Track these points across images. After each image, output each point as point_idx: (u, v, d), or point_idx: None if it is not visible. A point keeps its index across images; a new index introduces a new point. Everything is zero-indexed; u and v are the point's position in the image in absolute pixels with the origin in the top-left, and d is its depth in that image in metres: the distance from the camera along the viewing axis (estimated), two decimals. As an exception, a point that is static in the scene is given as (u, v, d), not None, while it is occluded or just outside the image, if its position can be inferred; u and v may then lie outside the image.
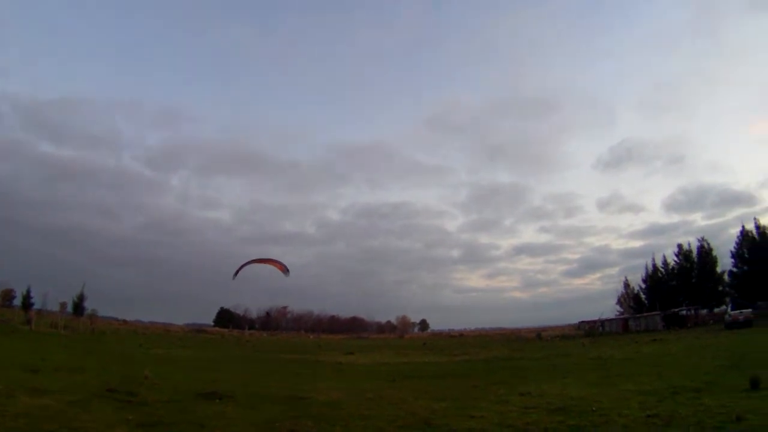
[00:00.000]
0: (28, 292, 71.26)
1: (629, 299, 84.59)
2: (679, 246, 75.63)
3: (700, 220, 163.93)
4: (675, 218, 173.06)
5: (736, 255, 65.03)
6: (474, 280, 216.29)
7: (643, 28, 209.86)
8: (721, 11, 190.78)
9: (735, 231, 68.39)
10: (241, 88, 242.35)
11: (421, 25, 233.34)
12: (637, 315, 75.08)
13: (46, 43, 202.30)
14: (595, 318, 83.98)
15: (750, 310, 45.96)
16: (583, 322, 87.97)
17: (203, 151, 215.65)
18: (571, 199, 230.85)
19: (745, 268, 63.32)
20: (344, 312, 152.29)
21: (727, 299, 64.44)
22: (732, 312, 46.43)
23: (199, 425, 10.46)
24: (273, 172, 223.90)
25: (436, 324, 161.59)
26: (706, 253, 70.64)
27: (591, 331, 76.66)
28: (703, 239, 72.63)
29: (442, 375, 23.33)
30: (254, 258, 40.88)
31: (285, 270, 39.48)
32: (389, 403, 13.84)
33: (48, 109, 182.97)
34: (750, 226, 65.18)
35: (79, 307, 76.76)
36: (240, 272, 39.23)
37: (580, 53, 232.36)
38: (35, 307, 69.77)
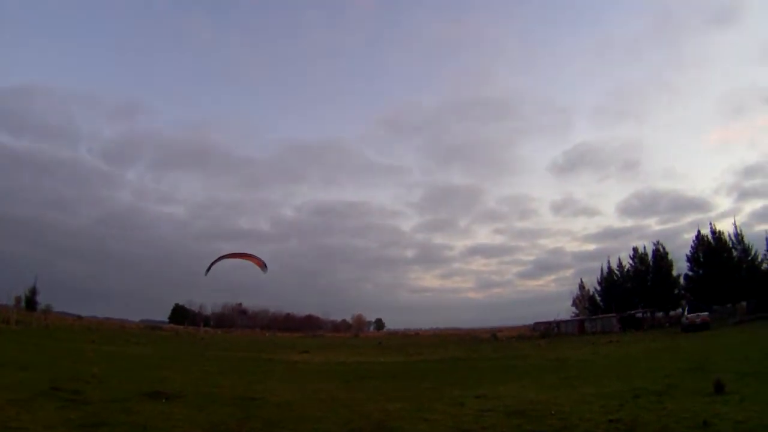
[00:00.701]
0: (-21, 285, 68.69)
1: (584, 301, 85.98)
2: (635, 249, 77.03)
3: (654, 224, 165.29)
4: (629, 222, 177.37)
5: (692, 259, 66.13)
6: (429, 280, 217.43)
7: (602, 36, 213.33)
8: (680, 23, 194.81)
9: (689, 236, 69.79)
10: (197, 83, 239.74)
11: (378, 25, 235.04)
12: (593, 317, 76.25)
13: (1, 29, 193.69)
14: (551, 319, 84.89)
15: (706, 313, 46.56)
16: (538, 323, 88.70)
17: (159, 145, 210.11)
18: (526, 202, 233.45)
19: (701, 271, 64.62)
20: (300, 310, 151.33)
21: (683, 302, 65.44)
22: (689, 315, 46.99)
23: (142, 427, 9.68)
24: (228, 168, 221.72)
25: (391, 323, 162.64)
26: (661, 256, 71.98)
27: (547, 332, 77.03)
28: (658, 243, 74.19)
29: (396, 375, 22.59)
30: (229, 252, 38.71)
31: (263, 266, 37.21)
32: (342, 405, 13.19)
33: (3, 97, 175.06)
34: (705, 231, 66.53)
35: (31, 301, 74.43)
36: (212, 267, 37.21)
37: (538, 58, 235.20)
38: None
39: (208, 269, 36.51)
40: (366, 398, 14.59)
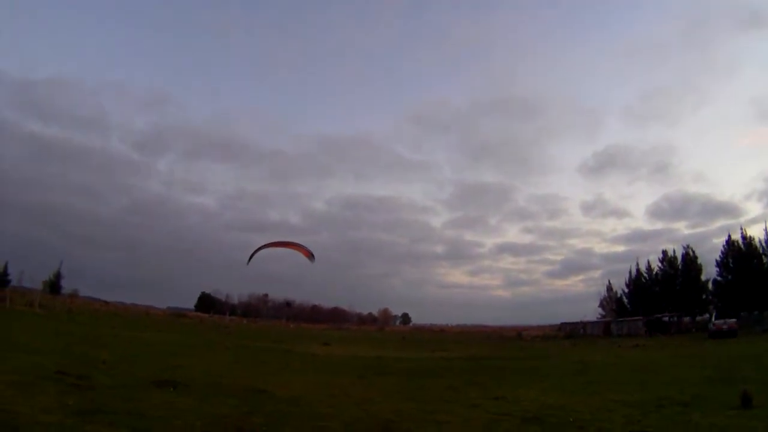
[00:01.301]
0: (6, 269, 70.16)
1: (612, 303, 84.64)
2: (664, 252, 75.65)
3: (683, 228, 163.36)
4: (658, 225, 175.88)
5: (721, 264, 64.77)
6: (457, 276, 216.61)
7: (633, 37, 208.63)
8: (712, 26, 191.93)
9: (718, 241, 68.86)
10: (228, 76, 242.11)
11: (408, 23, 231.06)
12: (620, 319, 75.09)
13: (35, 22, 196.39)
14: (577, 320, 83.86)
15: (734, 320, 45.65)
16: (564, 323, 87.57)
17: (190, 135, 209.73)
18: (555, 202, 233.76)
19: (730, 277, 63.26)
20: (326, 302, 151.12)
21: (711, 308, 64.32)
22: (716, 321, 46.02)
23: (140, 415, 9.49)
24: (258, 160, 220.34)
25: (417, 318, 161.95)
26: (691, 260, 70.71)
27: (572, 332, 76.43)
28: (688, 246, 72.80)
29: (416, 372, 22.32)
30: (273, 241, 37.12)
31: (310, 255, 35.34)
32: (353, 402, 12.97)
33: (36, 88, 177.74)
34: (736, 236, 65.10)
35: (55, 285, 75.45)
36: (255, 256, 36.31)
37: (569, 58, 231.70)
38: (12, 284, 68.60)
39: (251, 258, 35.57)
40: (379, 396, 14.39)
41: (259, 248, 35.49)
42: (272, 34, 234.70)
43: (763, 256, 61.62)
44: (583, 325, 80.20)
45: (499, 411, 12.10)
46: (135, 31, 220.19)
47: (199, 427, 9.09)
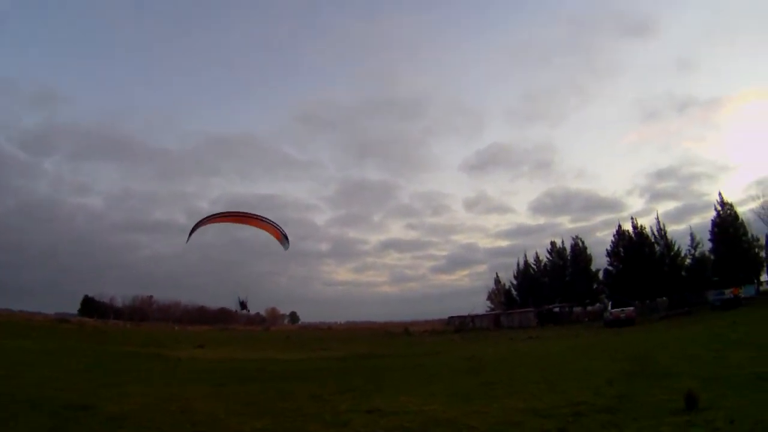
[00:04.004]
0: None
1: (500, 295, 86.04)
2: (552, 243, 78.28)
3: (566, 222, 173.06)
4: (541, 220, 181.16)
5: (612, 253, 66.86)
6: (343, 273, 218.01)
7: (516, 39, 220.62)
8: (593, 31, 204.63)
9: (602, 234, 72.23)
10: (114, 72, 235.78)
11: (295, 22, 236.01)
12: (509, 311, 75.73)
13: None
14: (465, 313, 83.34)
15: (632, 308, 46.08)
16: (452, 317, 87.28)
17: (78, 134, 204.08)
18: (439, 198, 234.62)
19: (621, 266, 65.09)
20: (213, 303, 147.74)
21: (603, 297, 66.31)
22: (613, 310, 46.19)
23: None
24: (144, 159, 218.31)
25: (306, 316, 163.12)
26: (580, 250, 72.92)
27: (461, 326, 76.05)
28: (577, 237, 75.66)
29: (286, 377, 19.79)
30: (231, 212, 26.19)
31: (284, 239, 26.34)
32: (190, 422, 10.56)
33: None
34: (627, 226, 67.55)
35: None
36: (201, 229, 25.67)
37: (454, 59, 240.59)
38: None
39: (193, 231, 25.35)
40: (229, 410, 11.95)
41: (209, 218, 25.34)
42: (161, 31, 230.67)
43: (655, 245, 63.93)
44: (472, 318, 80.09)
45: (372, 430, 9.42)
46: (24, 27, 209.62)
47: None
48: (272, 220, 23.90)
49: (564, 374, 15.61)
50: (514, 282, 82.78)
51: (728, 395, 9.75)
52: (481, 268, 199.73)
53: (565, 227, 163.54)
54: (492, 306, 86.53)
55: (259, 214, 24.15)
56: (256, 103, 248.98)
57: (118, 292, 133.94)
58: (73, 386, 15.21)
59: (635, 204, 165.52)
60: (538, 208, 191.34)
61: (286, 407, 12.24)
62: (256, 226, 25.02)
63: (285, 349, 39.44)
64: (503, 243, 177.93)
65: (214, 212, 22.61)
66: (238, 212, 23.48)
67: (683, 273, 61.78)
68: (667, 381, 11.64)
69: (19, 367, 19.41)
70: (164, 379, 18.74)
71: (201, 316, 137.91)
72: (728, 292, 48.35)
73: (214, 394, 14.89)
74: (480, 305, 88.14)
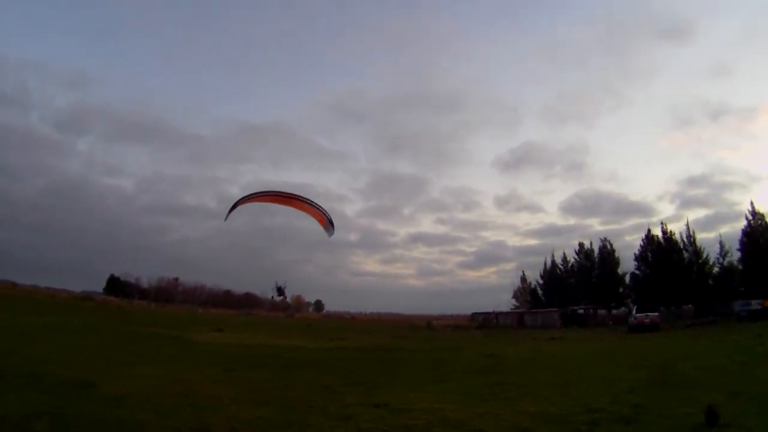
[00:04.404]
0: None
1: (526, 294, 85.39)
2: (581, 244, 77.09)
3: (596, 225, 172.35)
4: (571, 221, 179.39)
5: (640, 257, 65.77)
6: (371, 264, 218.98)
7: (553, 38, 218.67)
8: (630, 33, 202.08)
9: (631, 238, 71.27)
10: (149, 57, 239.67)
11: (329, 14, 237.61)
12: (534, 310, 75.21)
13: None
14: (490, 310, 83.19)
15: (657, 313, 45.08)
16: (476, 313, 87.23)
17: (110, 117, 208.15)
18: (470, 194, 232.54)
19: (648, 271, 64.10)
20: (240, 288, 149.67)
21: (629, 301, 65.37)
22: (637, 314, 45.22)
23: None
24: (177, 144, 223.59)
25: (331, 305, 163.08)
26: (608, 253, 71.89)
27: (484, 323, 75.70)
28: (605, 239, 74.36)
29: (298, 365, 19.54)
30: (271, 191, 22.67)
31: (329, 225, 23.09)
32: (191, 404, 10.54)
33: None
34: (656, 231, 66.28)
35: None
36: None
37: (489, 55, 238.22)
38: None
39: (232, 209, 20.33)
40: (233, 396, 11.78)
41: (250, 197, 22.44)
42: (195, 17, 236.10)
43: (683, 251, 62.73)
44: (496, 315, 79.79)
45: (376, 425, 9.17)
46: (59, 11, 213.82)
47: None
48: (319, 204, 22.69)
49: (583, 379, 15.27)
50: (541, 281, 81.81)
51: (751, 413, 9.35)
52: (509, 266, 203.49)
53: (594, 229, 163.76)
54: (517, 304, 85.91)
55: (304, 196, 22.91)
56: (289, 92, 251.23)
57: (144, 273, 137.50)
58: (79, 364, 15.30)
59: (665, 210, 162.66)
60: (568, 208, 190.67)
61: (293, 397, 12.15)
62: (300, 208, 23.21)
63: (304, 337, 39.25)
64: (532, 242, 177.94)
65: (257, 191, 21.65)
66: (283, 192, 21.82)
67: (710, 282, 60.45)
68: (690, 393, 11.23)
69: (31, 342, 19.59)
70: (175, 361, 18.71)
71: (226, 299, 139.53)
72: (755, 303, 47.07)
73: (222, 379, 14.83)
74: (505, 303, 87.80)
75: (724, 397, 10.57)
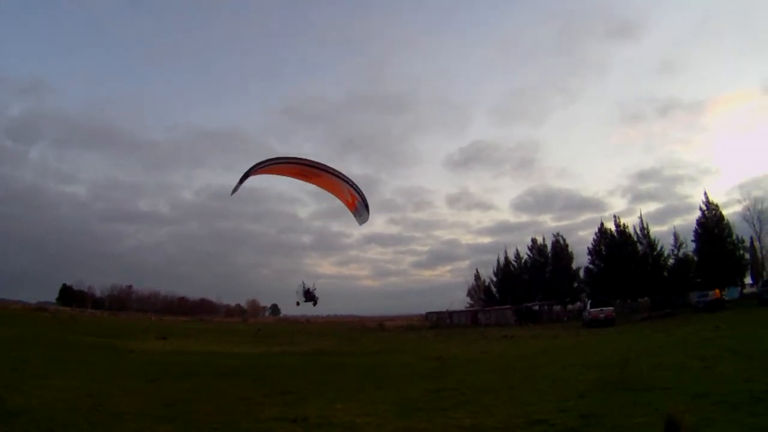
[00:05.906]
0: None
1: (480, 291, 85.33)
2: (533, 240, 77.56)
3: (549, 221, 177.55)
4: (524, 218, 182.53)
5: (594, 251, 66.00)
6: (325, 266, 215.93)
7: (504, 37, 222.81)
8: (582, 31, 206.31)
9: (584, 233, 71.82)
10: (101, 63, 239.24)
11: (284, 17, 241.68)
12: (487, 308, 75.28)
13: None
14: (444, 309, 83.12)
15: (611, 308, 45.07)
16: (430, 312, 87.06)
17: (64, 123, 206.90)
18: (421, 194, 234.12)
19: (602, 265, 64.35)
20: (195, 294, 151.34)
21: (583, 295, 65.58)
22: (592, 309, 45.06)
23: None
24: (130, 150, 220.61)
25: (288, 309, 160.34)
26: (561, 248, 72.29)
27: (438, 322, 75.59)
28: (558, 234, 74.90)
29: (229, 374, 19.13)
30: (299, 158, 17.05)
31: (362, 208, 16.70)
32: (89, 421, 9.71)
33: None
34: (609, 225, 66.67)
35: None
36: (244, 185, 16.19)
37: (438, 55, 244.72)
38: None
39: (244, 178, 16.10)
40: (141, 410, 11.17)
41: (266, 164, 16.49)
42: (149, 24, 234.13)
43: (638, 244, 63.13)
44: (450, 314, 79.71)
45: None
46: (12, 17, 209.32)
47: None
48: (353, 181, 16.81)
49: (530, 382, 14.06)
50: (494, 279, 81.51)
51: (717, 420, 8.14)
52: (463, 264, 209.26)
53: (547, 225, 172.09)
54: (472, 302, 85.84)
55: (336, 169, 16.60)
56: (242, 97, 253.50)
57: (97, 281, 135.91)
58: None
59: (617, 204, 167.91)
60: (520, 205, 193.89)
61: (205, 411, 11.25)
62: (326, 186, 18.26)
63: (249, 343, 38.60)
64: (485, 240, 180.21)
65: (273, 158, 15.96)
66: (308, 161, 15.87)
67: (666, 273, 61.06)
68: (647, 397, 10.15)
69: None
70: (98, 373, 17.84)
71: (180, 307, 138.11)
72: (711, 294, 47.46)
73: (139, 391, 14.07)
74: (460, 301, 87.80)
75: (684, 401, 9.37)
